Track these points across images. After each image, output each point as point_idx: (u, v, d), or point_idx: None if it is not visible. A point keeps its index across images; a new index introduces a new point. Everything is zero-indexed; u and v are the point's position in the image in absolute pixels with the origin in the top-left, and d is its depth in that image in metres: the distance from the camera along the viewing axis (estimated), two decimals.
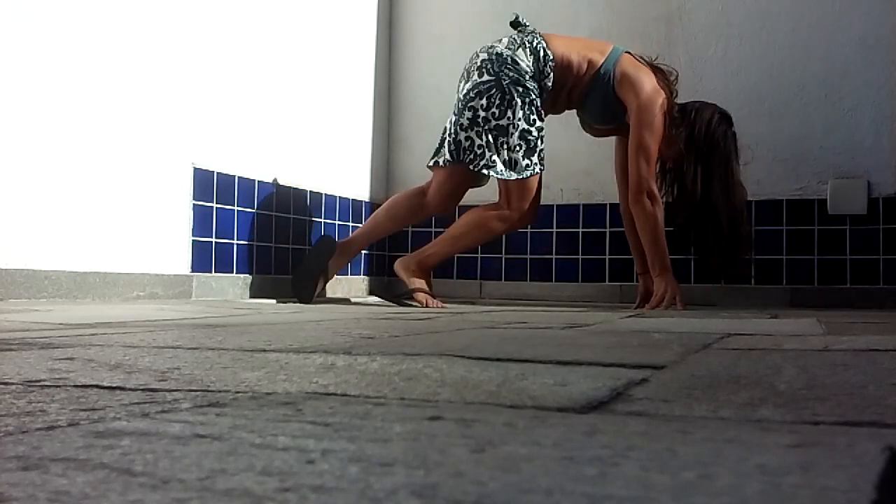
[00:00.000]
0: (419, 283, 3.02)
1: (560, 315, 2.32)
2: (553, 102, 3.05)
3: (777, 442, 0.52)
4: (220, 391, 0.73)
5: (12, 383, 0.77)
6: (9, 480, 0.41)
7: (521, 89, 2.89)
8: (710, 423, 0.59)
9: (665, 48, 3.76)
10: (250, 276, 3.20)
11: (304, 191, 3.54)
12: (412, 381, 0.80)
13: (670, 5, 3.79)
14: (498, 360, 0.99)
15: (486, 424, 0.57)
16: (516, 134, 2.88)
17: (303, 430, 0.55)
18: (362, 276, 3.96)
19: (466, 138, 2.94)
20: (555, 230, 3.89)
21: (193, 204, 2.95)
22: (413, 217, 3.26)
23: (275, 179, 3.37)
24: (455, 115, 3.01)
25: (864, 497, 0.38)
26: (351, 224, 3.88)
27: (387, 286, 4.08)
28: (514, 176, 2.90)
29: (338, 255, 3.14)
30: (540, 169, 2.95)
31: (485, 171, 2.93)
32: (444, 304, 2.97)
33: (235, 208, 3.15)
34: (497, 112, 2.90)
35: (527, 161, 2.90)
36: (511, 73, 2.90)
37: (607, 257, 3.80)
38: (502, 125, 2.90)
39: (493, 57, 2.94)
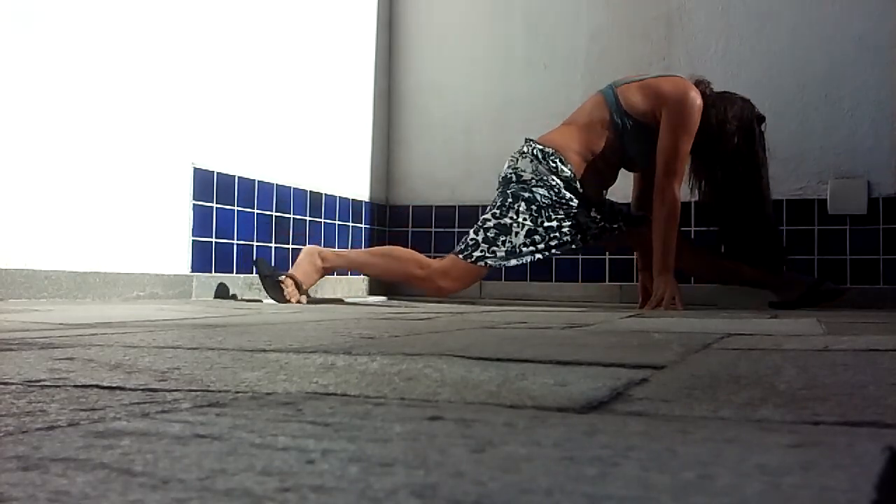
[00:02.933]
0: (301, 273, 2.95)
1: (560, 315, 2.32)
2: (600, 181, 3.01)
3: (777, 442, 0.52)
4: (220, 391, 0.73)
5: (12, 383, 0.77)
6: (9, 480, 0.41)
7: (526, 195, 2.90)
8: (710, 423, 0.59)
9: (665, 48, 3.76)
10: (250, 276, 3.20)
11: (304, 191, 3.54)
12: (412, 381, 0.80)
13: (670, 5, 3.79)
14: (498, 360, 0.99)
15: (486, 424, 0.57)
16: (521, 234, 2.89)
17: (303, 430, 0.55)
18: (362, 277, 3.96)
19: (472, 239, 2.97)
20: None
21: (193, 204, 2.95)
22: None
23: (275, 179, 3.37)
24: None
25: (864, 497, 0.38)
26: (351, 224, 3.88)
27: (387, 285, 4.09)
28: (513, 263, 2.92)
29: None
30: (504, 262, 2.92)
31: (482, 264, 2.92)
32: (304, 301, 2.93)
33: (235, 208, 3.15)
34: (498, 212, 2.93)
35: (531, 249, 2.89)
36: (515, 186, 2.93)
37: (607, 257, 3.80)
38: (504, 223, 2.91)
39: (500, 181, 3.01)
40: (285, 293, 2.88)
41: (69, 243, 2.48)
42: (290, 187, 3.45)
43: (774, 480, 0.41)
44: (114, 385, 0.77)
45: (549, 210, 2.90)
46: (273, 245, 3.36)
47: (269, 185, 3.33)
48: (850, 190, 3.50)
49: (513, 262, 2.92)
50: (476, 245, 2.93)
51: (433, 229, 4.06)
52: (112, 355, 1.01)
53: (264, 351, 1.08)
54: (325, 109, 3.69)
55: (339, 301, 3.36)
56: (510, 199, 2.93)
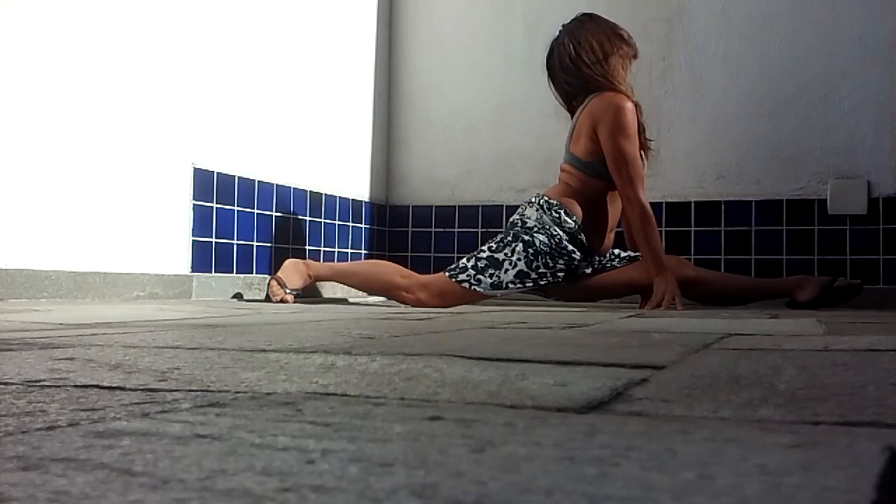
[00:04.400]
0: (284, 273, 3.00)
1: (560, 315, 2.32)
2: (605, 227, 3.02)
3: (777, 442, 0.52)
4: (220, 391, 0.73)
5: (12, 383, 0.77)
6: (9, 480, 0.41)
7: (526, 237, 2.91)
8: (710, 423, 0.59)
9: (665, 48, 3.76)
10: (250, 276, 3.20)
11: (304, 191, 3.55)
12: (412, 381, 0.80)
13: (670, 5, 3.79)
14: (498, 360, 0.99)
15: (486, 424, 0.57)
16: (512, 272, 2.89)
17: (303, 430, 0.55)
18: None
19: (462, 265, 2.97)
20: None
21: (193, 204, 2.95)
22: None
23: (275, 179, 3.37)
24: None
25: (864, 497, 0.38)
26: (351, 224, 3.88)
27: None
28: (500, 293, 2.92)
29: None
30: (486, 291, 2.91)
31: (467, 286, 2.92)
32: (290, 300, 2.95)
33: (235, 208, 3.15)
34: (495, 246, 2.95)
35: (518, 285, 2.90)
36: (518, 229, 2.95)
37: None
38: (497, 258, 2.92)
39: (507, 227, 3.03)
40: (269, 292, 2.97)
41: (69, 243, 2.48)
42: (290, 187, 3.46)
43: (774, 480, 0.41)
44: (114, 385, 0.77)
45: (547, 257, 2.92)
46: (273, 245, 3.36)
47: (269, 185, 3.33)
48: (850, 190, 3.50)
49: (499, 292, 2.93)
50: (464, 269, 2.95)
51: (433, 229, 4.06)
52: (112, 355, 1.01)
53: (264, 351, 1.08)
54: (325, 109, 3.69)
55: (340, 301, 3.36)
56: (509, 238, 2.95)
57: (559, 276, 2.95)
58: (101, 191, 2.59)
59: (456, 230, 3.97)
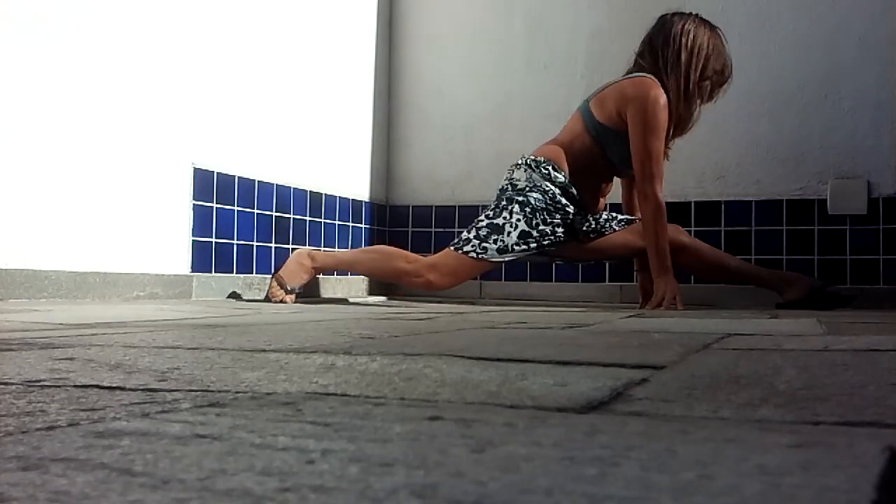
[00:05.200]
0: (286, 272, 3.00)
1: (560, 315, 2.32)
2: (595, 191, 3.02)
3: (777, 442, 0.52)
4: (220, 391, 0.73)
5: (12, 383, 0.77)
6: (9, 480, 0.41)
7: (520, 198, 2.92)
8: (710, 423, 0.59)
9: None
10: (250, 276, 3.20)
11: (304, 191, 3.54)
12: (412, 381, 0.80)
13: (670, 5, 3.78)
14: (498, 360, 0.99)
15: (486, 424, 0.57)
16: (514, 234, 2.90)
17: (303, 430, 0.55)
18: (362, 277, 3.96)
19: (462, 235, 3.00)
20: None
21: (193, 204, 2.95)
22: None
23: (275, 179, 3.37)
24: None
25: (864, 497, 0.38)
26: (351, 224, 3.88)
27: (387, 285, 4.09)
28: (508, 258, 2.92)
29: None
30: (494, 257, 2.91)
31: (475, 256, 2.92)
32: (290, 300, 2.95)
33: (235, 208, 3.15)
34: (492, 213, 2.95)
35: (523, 248, 2.90)
36: (510, 193, 2.95)
37: None
38: (497, 224, 2.92)
39: (496, 193, 3.02)
40: (269, 293, 2.97)
41: (69, 243, 2.48)
42: (290, 187, 3.46)
43: (774, 480, 0.41)
44: (114, 385, 0.77)
45: (545, 213, 2.92)
46: (273, 245, 3.36)
47: (269, 185, 3.33)
48: (850, 190, 3.50)
49: (507, 257, 2.93)
50: (468, 241, 2.95)
51: (433, 229, 4.06)
52: (112, 355, 1.01)
53: (264, 351, 1.08)
54: (325, 109, 3.69)
55: (340, 301, 3.36)
56: (504, 202, 2.95)
57: (559, 234, 2.94)
58: (101, 191, 2.59)
59: (456, 230, 3.97)
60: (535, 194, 2.92)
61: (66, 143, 2.48)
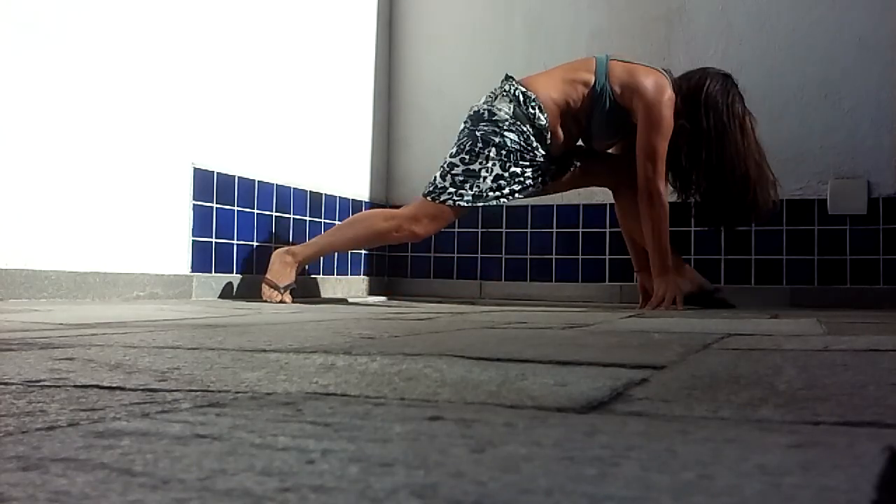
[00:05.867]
0: (273, 274, 2.97)
1: (560, 315, 2.32)
2: (566, 136, 2.99)
3: (777, 442, 0.52)
4: (220, 391, 0.73)
5: (12, 383, 0.77)
6: (9, 480, 0.41)
7: (497, 140, 2.87)
8: (710, 423, 0.59)
9: (665, 48, 3.76)
10: (250, 276, 3.20)
11: (304, 191, 3.55)
12: (412, 381, 0.80)
13: (670, 5, 3.79)
14: (498, 360, 0.99)
15: (486, 424, 0.57)
16: (489, 178, 2.87)
17: (303, 430, 0.55)
18: (362, 276, 3.96)
19: (434, 177, 2.97)
20: (555, 230, 3.90)
21: (193, 204, 2.95)
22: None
23: (275, 179, 3.37)
24: None
25: (864, 497, 0.38)
26: None
27: (387, 285, 4.09)
28: (480, 204, 2.90)
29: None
30: (469, 204, 2.90)
31: (451, 203, 2.90)
32: (288, 300, 2.95)
33: (235, 208, 3.15)
34: (467, 157, 2.91)
35: (497, 194, 2.88)
36: (486, 126, 2.90)
37: (607, 257, 3.80)
38: (473, 170, 2.89)
39: (470, 118, 2.97)
40: (263, 296, 2.95)
41: (69, 243, 2.48)
42: (290, 187, 3.46)
43: (774, 480, 0.41)
44: (114, 385, 0.77)
45: (517, 155, 2.88)
46: (273, 245, 3.36)
47: (269, 185, 3.33)
48: (850, 190, 3.50)
49: (479, 204, 2.90)
50: (443, 189, 2.92)
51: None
52: (112, 355, 1.01)
53: (264, 351, 1.08)
54: (325, 109, 3.69)
55: (340, 301, 3.36)
56: (480, 144, 2.89)
57: (528, 179, 2.91)
58: (101, 191, 2.59)
59: (456, 230, 3.97)
60: (511, 135, 2.87)
61: (67, 144, 2.48)
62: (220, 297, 3.04)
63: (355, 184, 3.94)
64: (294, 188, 3.48)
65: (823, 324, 1.91)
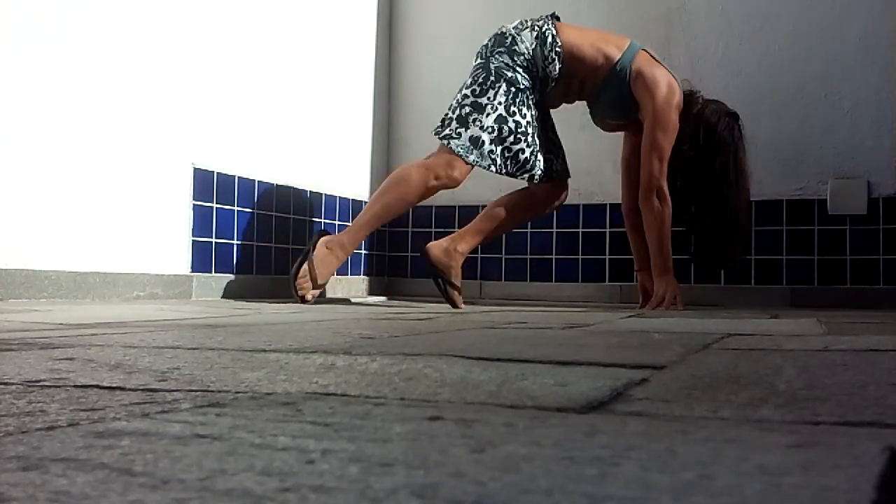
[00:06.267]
0: (319, 262, 2.81)
1: (560, 315, 2.32)
2: (564, 92, 2.99)
3: (777, 442, 0.52)
4: (220, 391, 0.73)
5: (12, 383, 0.77)
6: (9, 480, 0.41)
7: (509, 75, 2.83)
8: (710, 423, 0.59)
9: (665, 48, 3.76)
10: (250, 276, 3.20)
11: (304, 191, 3.54)
12: (412, 381, 0.80)
13: (670, 5, 3.79)
14: (498, 360, 0.99)
15: (486, 424, 0.57)
16: (493, 115, 2.80)
17: (303, 430, 0.55)
18: (362, 276, 3.96)
19: (447, 115, 2.90)
20: (555, 230, 3.89)
21: (193, 204, 2.95)
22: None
23: (275, 179, 3.37)
24: None
25: (864, 497, 0.38)
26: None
27: (387, 285, 4.08)
28: (472, 158, 2.80)
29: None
30: (503, 170, 2.84)
31: (446, 142, 2.83)
32: (311, 299, 2.82)
33: (235, 208, 3.15)
34: (478, 89, 2.84)
35: (491, 148, 2.80)
36: (502, 58, 2.84)
37: (607, 257, 3.80)
38: (480, 103, 2.82)
39: (493, 39, 2.91)
40: (296, 284, 2.78)
41: (69, 243, 2.48)
42: (290, 187, 3.46)
43: (774, 480, 0.41)
44: (114, 385, 0.77)
45: (523, 96, 2.84)
46: (273, 245, 3.36)
47: (269, 185, 3.33)
48: (850, 190, 3.50)
49: (472, 157, 2.80)
50: (449, 122, 2.86)
51: (433, 229, 4.05)
52: (112, 355, 1.01)
53: (264, 351, 1.08)
54: (325, 109, 3.69)
55: (340, 301, 3.36)
56: (492, 78, 2.84)
57: (529, 143, 2.84)
58: (101, 191, 2.59)
59: (456, 231, 3.97)
60: (524, 74, 2.85)
61: (67, 144, 2.48)
62: (224, 296, 3.04)
63: (355, 184, 3.94)
64: (294, 188, 3.48)
65: (823, 324, 1.91)
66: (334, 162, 3.78)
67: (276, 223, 3.38)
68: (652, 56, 2.99)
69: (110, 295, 2.60)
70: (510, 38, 2.87)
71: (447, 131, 2.85)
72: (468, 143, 2.81)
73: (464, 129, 2.83)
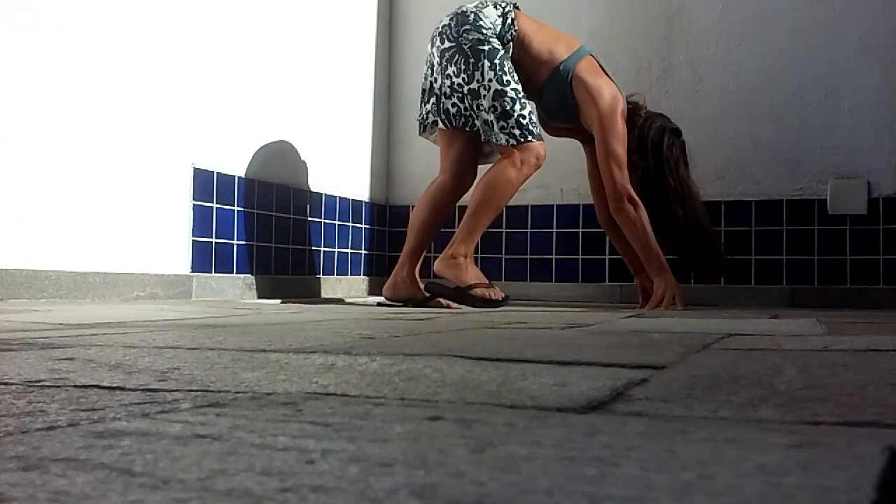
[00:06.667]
0: (472, 276, 2.85)
1: (560, 315, 2.32)
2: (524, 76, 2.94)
3: (777, 442, 0.52)
4: (220, 391, 0.73)
5: (12, 383, 0.77)
6: (9, 480, 0.41)
7: (486, 49, 2.80)
8: (710, 423, 0.59)
9: (665, 48, 3.76)
10: (250, 276, 3.20)
11: (304, 191, 3.54)
12: (412, 381, 0.80)
13: (670, 5, 3.79)
14: (498, 360, 0.99)
15: (486, 424, 0.57)
16: (489, 96, 2.78)
17: (303, 430, 0.55)
18: (362, 276, 3.96)
19: (453, 105, 2.88)
20: (555, 230, 3.89)
21: (193, 204, 2.95)
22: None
23: (275, 179, 3.37)
24: (435, 77, 2.94)
25: (864, 497, 0.38)
26: (351, 224, 3.88)
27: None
28: (503, 140, 2.79)
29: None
30: (530, 136, 2.80)
31: (514, 142, 2.80)
32: (499, 294, 2.83)
33: (235, 208, 3.15)
34: (467, 77, 2.82)
35: (502, 124, 2.78)
36: (471, 35, 2.82)
37: (607, 257, 3.80)
38: (474, 89, 2.81)
39: (456, 19, 2.87)
40: (486, 295, 2.80)
41: (69, 243, 2.48)
42: (290, 187, 3.45)
43: (774, 480, 0.41)
44: (114, 385, 0.77)
45: (507, 61, 2.82)
46: (273, 245, 3.36)
47: (269, 185, 3.33)
48: (850, 190, 3.50)
49: (493, 138, 2.80)
50: (471, 116, 2.85)
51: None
52: (112, 355, 1.01)
53: (264, 351, 1.08)
54: (326, 109, 3.69)
55: (339, 301, 3.36)
56: (472, 59, 2.80)
57: (528, 108, 2.82)
58: (102, 191, 2.59)
59: (455, 230, 3.97)
60: (496, 41, 2.83)
61: (67, 144, 2.48)
62: (223, 296, 3.04)
63: (355, 184, 3.94)
64: (294, 188, 3.48)
65: (823, 324, 1.91)
66: (334, 162, 3.78)
67: (276, 223, 3.38)
68: (600, 64, 3.00)
69: (110, 295, 2.60)
70: (472, 16, 2.85)
71: (504, 136, 2.79)
72: (484, 128, 2.82)
73: (476, 119, 2.84)
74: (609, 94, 2.91)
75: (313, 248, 3.60)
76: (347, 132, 3.88)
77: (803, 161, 3.58)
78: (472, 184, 3.00)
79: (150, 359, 0.98)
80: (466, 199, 3.02)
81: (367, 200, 4.01)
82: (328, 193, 3.71)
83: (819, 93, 3.56)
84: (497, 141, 2.81)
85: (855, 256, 3.50)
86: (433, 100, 2.96)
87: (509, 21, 2.88)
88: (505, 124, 2.79)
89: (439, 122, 2.94)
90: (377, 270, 4.07)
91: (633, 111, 3.01)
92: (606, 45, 3.84)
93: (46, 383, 0.77)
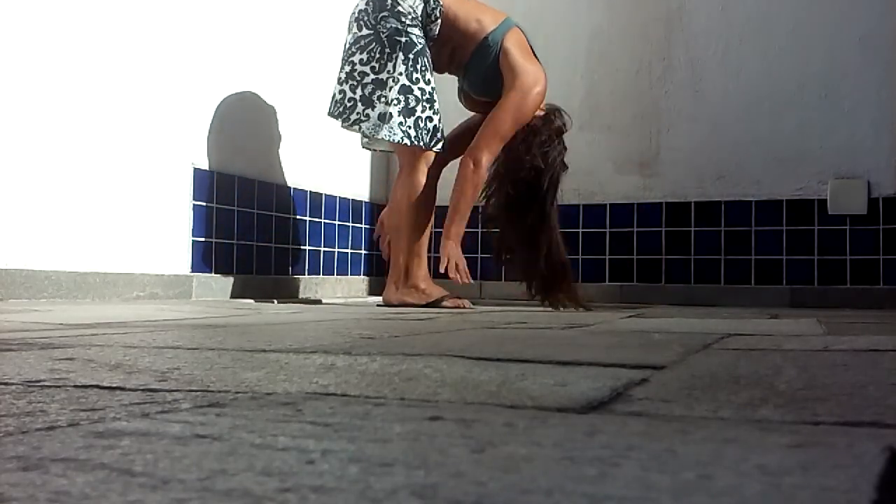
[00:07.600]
0: (437, 291, 2.82)
1: (560, 315, 2.32)
2: (434, 58, 2.86)
3: (777, 442, 0.52)
4: (220, 391, 0.73)
5: (12, 383, 0.77)
6: (9, 480, 0.41)
7: (403, 41, 2.72)
8: (710, 423, 0.59)
9: (665, 48, 3.76)
10: (251, 277, 3.20)
11: (304, 191, 3.54)
12: (412, 381, 0.80)
13: (670, 5, 3.79)
14: (498, 360, 0.99)
15: (486, 424, 0.57)
16: (395, 88, 2.70)
17: (303, 430, 0.55)
18: (362, 276, 3.96)
19: (340, 91, 2.81)
20: None
21: (193, 204, 2.95)
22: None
23: (275, 179, 3.37)
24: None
25: (864, 497, 0.38)
26: (351, 224, 3.88)
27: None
28: (383, 134, 2.71)
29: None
30: (420, 143, 2.74)
31: (356, 129, 2.79)
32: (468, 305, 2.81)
33: (235, 208, 3.15)
34: (377, 66, 2.73)
35: (401, 120, 2.70)
36: (390, 24, 2.73)
37: (607, 257, 3.80)
38: (381, 79, 2.72)
39: (373, 4, 2.76)
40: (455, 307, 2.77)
41: (69, 243, 2.48)
42: (290, 187, 3.45)
43: (774, 480, 0.41)
44: (114, 385, 0.77)
45: (423, 59, 2.74)
46: (273, 245, 3.36)
47: (269, 185, 3.33)
48: (850, 190, 3.50)
49: (383, 132, 2.71)
50: (353, 104, 2.76)
51: (433, 229, 4.05)
52: (112, 355, 1.01)
53: (264, 351, 1.08)
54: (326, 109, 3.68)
55: (339, 302, 3.36)
56: (387, 49, 2.71)
57: (436, 109, 2.76)
58: (101, 191, 2.59)
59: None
60: (416, 31, 2.74)
61: (67, 144, 2.48)
62: (223, 296, 3.04)
63: (355, 184, 3.94)
64: (294, 188, 3.48)
65: (823, 324, 1.91)
66: (334, 162, 3.78)
67: (276, 223, 3.38)
68: (529, 45, 2.90)
69: (110, 295, 2.60)
70: (391, 1, 2.74)
71: (354, 116, 2.74)
72: (377, 121, 2.72)
73: (371, 110, 2.73)
74: (533, 73, 2.81)
75: (313, 247, 3.60)
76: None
77: (803, 161, 3.58)
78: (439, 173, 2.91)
79: (150, 359, 0.98)
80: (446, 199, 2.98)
81: (367, 200, 4.01)
82: (328, 193, 3.71)
83: (819, 93, 3.56)
84: (391, 137, 2.72)
85: (855, 256, 3.50)
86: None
87: (432, 1, 2.78)
88: (404, 121, 2.72)
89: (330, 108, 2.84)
90: (377, 270, 4.06)
91: (548, 116, 2.89)
92: (606, 45, 3.84)
93: (46, 383, 0.77)
